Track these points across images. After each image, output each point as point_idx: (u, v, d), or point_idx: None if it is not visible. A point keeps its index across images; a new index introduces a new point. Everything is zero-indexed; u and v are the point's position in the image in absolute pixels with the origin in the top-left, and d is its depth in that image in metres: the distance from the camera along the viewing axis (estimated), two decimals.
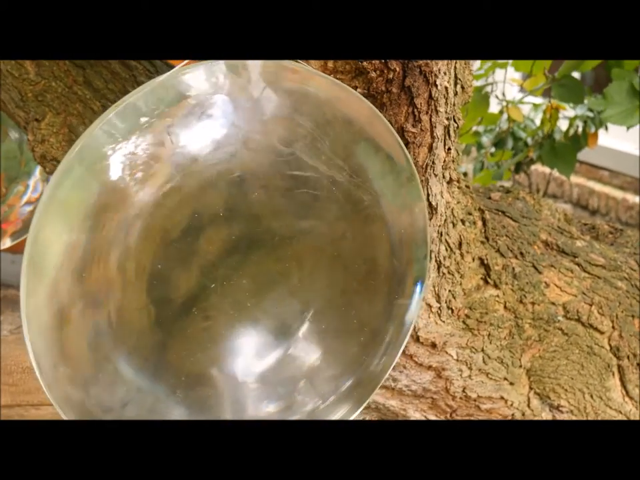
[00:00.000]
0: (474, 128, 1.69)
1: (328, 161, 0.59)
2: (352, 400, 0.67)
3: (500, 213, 0.94)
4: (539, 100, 2.09)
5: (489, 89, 1.45)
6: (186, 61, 0.58)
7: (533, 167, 2.67)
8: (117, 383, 0.59)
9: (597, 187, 2.89)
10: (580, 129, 2.02)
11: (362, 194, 0.61)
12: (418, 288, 0.67)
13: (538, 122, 2.17)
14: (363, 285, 0.65)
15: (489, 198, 0.97)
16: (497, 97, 1.60)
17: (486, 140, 2.15)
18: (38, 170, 1.19)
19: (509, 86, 1.75)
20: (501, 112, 1.69)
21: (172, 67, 1.00)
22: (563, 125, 2.11)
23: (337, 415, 0.67)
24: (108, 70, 0.92)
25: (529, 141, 2.18)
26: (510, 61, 1.48)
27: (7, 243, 1.19)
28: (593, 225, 1.07)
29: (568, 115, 2.07)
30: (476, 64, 1.65)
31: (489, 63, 1.47)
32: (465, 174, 2.26)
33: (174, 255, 0.59)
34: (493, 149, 2.05)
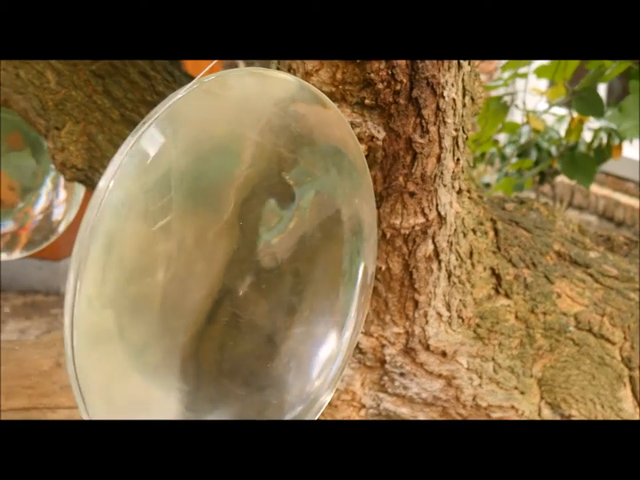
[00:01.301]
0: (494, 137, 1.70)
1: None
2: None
3: (513, 224, 0.95)
4: (561, 110, 2.09)
5: (508, 98, 1.46)
6: (202, 72, 0.59)
7: (558, 179, 2.67)
8: None
9: (623, 198, 2.88)
10: (604, 141, 2.02)
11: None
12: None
13: (562, 133, 2.18)
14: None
15: (503, 209, 0.98)
16: (516, 106, 1.60)
17: (509, 151, 2.16)
18: (49, 179, 1.21)
19: (530, 96, 1.75)
20: (525, 122, 1.69)
21: (189, 76, 1.02)
22: (587, 136, 2.11)
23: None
24: (127, 79, 0.94)
25: (553, 151, 2.18)
26: (530, 71, 1.49)
27: (18, 253, 1.21)
28: (608, 237, 1.07)
29: (592, 127, 2.07)
30: (495, 73, 1.65)
31: (507, 73, 1.48)
32: (488, 185, 2.26)
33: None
34: (515, 160, 2.06)
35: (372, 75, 0.66)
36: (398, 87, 0.67)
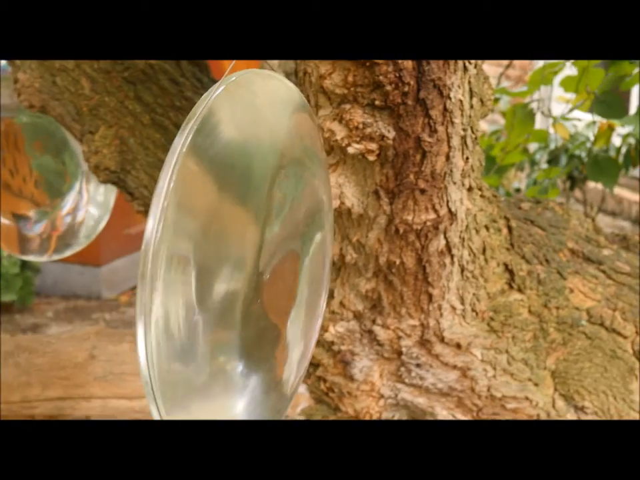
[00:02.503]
0: (522, 146, 1.73)
1: None
2: None
3: (528, 222, 0.98)
4: (587, 116, 2.11)
5: (534, 105, 1.49)
6: (227, 71, 0.64)
7: (591, 185, 2.69)
8: None
9: None
10: (633, 146, 2.04)
11: None
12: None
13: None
14: None
15: (519, 208, 1.01)
16: (542, 113, 1.63)
17: (539, 156, 2.18)
18: (77, 183, 1.25)
19: (556, 104, 1.78)
20: (554, 129, 1.72)
21: (217, 81, 1.06)
22: (618, 142, 2.13)
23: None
24: (157, 86, 0.99)
25: (584, 156, 2.20)
26: (555, 79, 1.52)
27: (57, 253, 1.26)
28: (624, 236, 1.10)
29: (622, 133, 2.09)
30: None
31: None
32: (518, 190, 2.29)
33: None
34: (545, 166, 2.08)
35: (381, 78, 0.70)
36: (406, 89, 0.70)
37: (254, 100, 0.65)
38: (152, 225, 0.56)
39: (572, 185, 2.27)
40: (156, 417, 0.60)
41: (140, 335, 0.57)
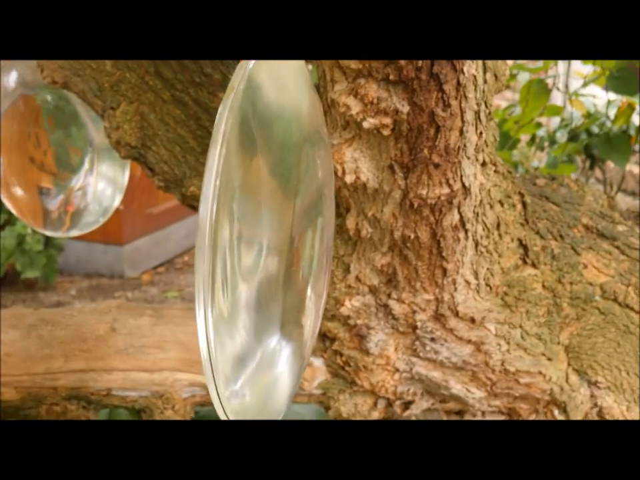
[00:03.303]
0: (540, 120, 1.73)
1: None
2: None
3: (543, 198, 0.99)
4: (601, 92, 2.11)
5: (550, 81, 1.49)
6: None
7: (611, 164, 2.68)
8: None
9: None
10: None
11: None
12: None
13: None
14: None
15: (534, 184, 1.02)
16: (557, 88, 1.63)
17: (560, 135, 2.18)
18: (87, 159, 1.27)
19: (574, 80, 1.78)
20: (571, 105, 1.72)
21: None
22: (638, 120, 2.12)
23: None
24: (177, 62, 1.00)
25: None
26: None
27: (71, 229, 1.28)
28: (639, 213, 1.11)
29: None
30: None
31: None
32: (537, 169, 2.29)
33: None
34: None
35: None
36: (419, 64, 0.71)
37: (280, 73, 0.67)
38: (208, 201, 0.59)
39: (592, 164, 2.26)
40: (215, 397, 0.62)
41: (200, 314, 0.60)
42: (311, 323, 0.76)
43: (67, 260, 3.90)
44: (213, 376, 0.62)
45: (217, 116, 0.61)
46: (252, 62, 0.63)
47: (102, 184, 1.28)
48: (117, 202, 1.30)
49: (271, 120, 0.67)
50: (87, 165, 1.27)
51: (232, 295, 0.65)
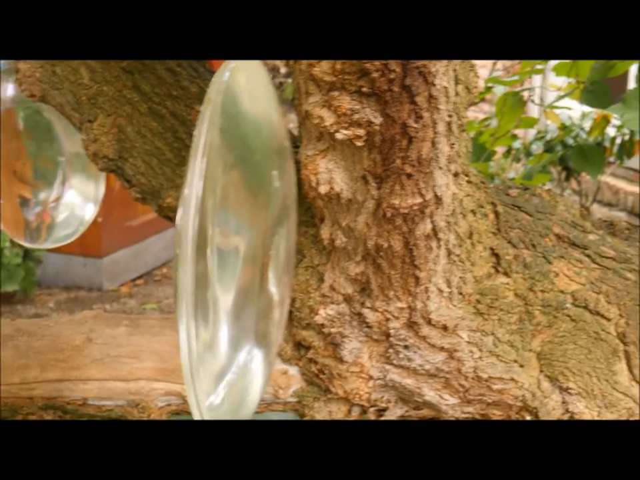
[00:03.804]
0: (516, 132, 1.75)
1: None
2: None
3: (516, 208, 1.01)
4: (576, 104, 2.14)
5: (526, 93, 1.51)
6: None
7: (587, 176, 2.70)
8: None
9: None
10: (627, 137, 2.06)
11: None
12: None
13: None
14: None
15: (507, 194, 1.04)
16: (532, 101, 1.65)
17: (535, 147, 2.21)
18: (60, 172, 1.28)
19: (550, 93, 1.80)
20: (545, 116, 1.74)
21: (213, 71, 1.09)
22: (613, 132, 2.15)
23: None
24: (154, 75, 1.01)
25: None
26: (547, 68, 1.54)
27: (47, 241, 1.29)
28: (611, 222, 1.13)
29: (617, 124, 2.11)
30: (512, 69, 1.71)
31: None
32: (513, 179, 2.31)
33: None
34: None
35: (367, 65, 0.72)
36: (392, 76, 0.73)
37: (252, 84, 0.69)
38: (190, 212, 0.60)
39: (567, 175, 2.29)
40: (194, 407, 0.64)
41: (183, 321, 0.61)
42: (277, 328, 0.78)
43: (45, 273, 3.89)
44: (195, 390, 0.63)
45: (197, 127, 0.62)
46: (227, 72, 0.64)
47: (76, 196, 1.29)
48: (92, 214, 1.31)
49: (246, 131, 0.69)
50: (60, 177, 1.28)
51: (214, 308, 0.67)
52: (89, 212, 1.31)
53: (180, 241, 0.60)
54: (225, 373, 0.71)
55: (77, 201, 1.30)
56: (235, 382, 0.73)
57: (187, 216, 0.60)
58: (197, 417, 0.64)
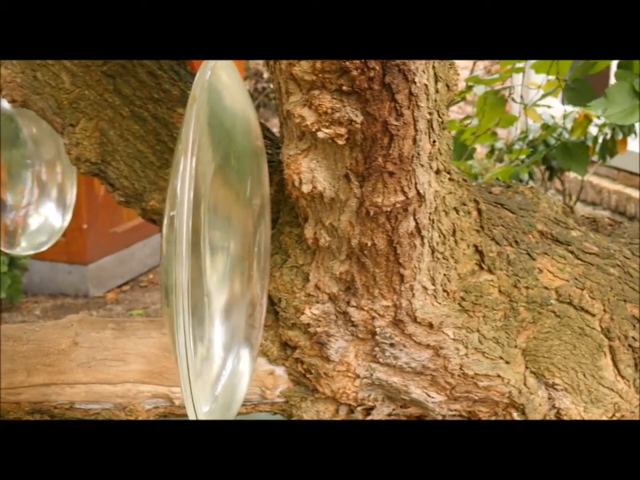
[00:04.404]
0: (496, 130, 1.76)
1: None
2: None
3: (498, 206, 1.01)
4: (557, 102, 2.15)
5: (506, 92, 1.52)
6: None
7: (571, 175, 2.72)
8: None
9: (635, 193, 2.92)
10: (609, 136, 2.07)
11: None
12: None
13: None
14: None
15: (490, 192, 1.04)
16: (513, 99, 1.66)
17: (518, 147, 2.21)
18: (28, 179, 1.29)
19: (529, 90, 1.81)
20: (525, 114, 1.75)
21: (194, 74, 1.09)
22: (595, 132, 2.16)
23: None
24: (136, 79, 1.01)
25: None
26: (527, 66, 1.55)
27: (21, 246, 1.30)
28: (594, 219, 1.13)
29: (598, 123, 2.12)
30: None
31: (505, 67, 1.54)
32: (498, 178, 2.32)
33: None
34: (523, 156, 2.11)
35: (347, 64, 0.73)
36: (371, 74, 0.73)
37: (230, 82, 0.70)
38: (183, 212, 0.60)
39: (550, 174, 2.30)
40: (191, 412, 0.64)
41: (180, 322, 0.61)
42: (260, 326, 0.78)
43: (31, 280, 3.88)
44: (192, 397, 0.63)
45: (184, 125, 0.62)
46: (208, 70, 0.65)
47: (46, 202, 1.29)
48: (65, 221, 1.31)
49: (229, 127, 0.69)
50: (29, 182, 1.28)
51: (208, 308, 0.67)
52: (62, 219, 1.31)
53: (174, 240, 0.60)
54: (219, 378, 0.72)
55: (49, 207, 1.30)
56: (226, 384, 0.74)
57: (181, 214, 0.60)
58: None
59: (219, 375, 0.72)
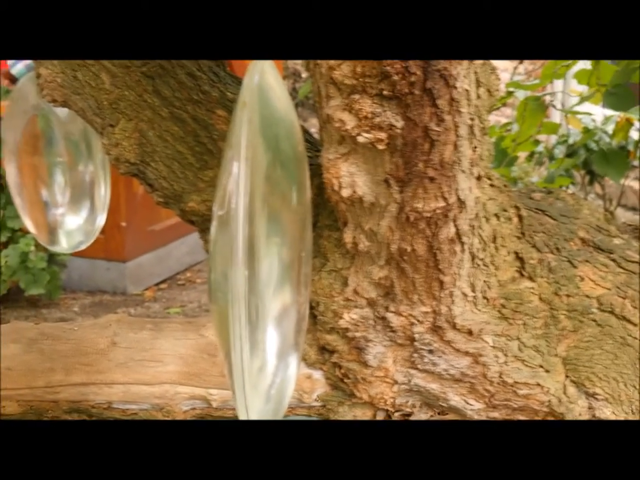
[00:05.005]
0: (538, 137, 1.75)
1: None
2: None
3: (540, 212, 1.00)
4: (597, 110, 2.13)
5: (547, 98, 1.50)
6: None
7: (610, 180, 2.68)
8: None
9: None
10: None
11: None
12: None
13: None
14: None
15: (531, 198, 1.03)
16: (554, 106, 1.64)
17: (558, 152, 2.19)
18: (62, 177, 1.30)
19: (572, 99, 1.79)
20: (567, 122, 1.73)
21: (233, 75, 1.09)
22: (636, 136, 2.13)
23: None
24: (175, 80, 1.01)
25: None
26: (568, 73, 1.53)
27: (63, 245, 1.31)
28: (636, 226, 1.12)
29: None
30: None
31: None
32: (536, 183, 2.30)
33: None
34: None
35: (388, 68, 0.72)
36: (413, 79, 0.72)
37: (277, 86, 0.70)
38: (239, 219, 0.60)
39: (591, 179, 2.27)
40: (242, 412, 0.64)
41: (236, 324, 0.61)
42: (304, 331, 0.78)
43: (70, 277, 3.91)
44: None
45: (233, 129, 0.62)
46: (257, 74, 0.64)
47: (80, 202, 1.30)
48: (99, 221, 1.32)
49: (277, 132, 0.69)
50: (63, 183, 1.29)
51: (262, 315, 0.67)
52: (98, 219, 1.32)
53: (230, 245, 0.61)
54: (272, 386, 0.72)
55: (84, 207, 1.31)
56: (276, 391, 0.74)
57: (236, 221, 0.61)
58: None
59: (272, 383, 0.73)
